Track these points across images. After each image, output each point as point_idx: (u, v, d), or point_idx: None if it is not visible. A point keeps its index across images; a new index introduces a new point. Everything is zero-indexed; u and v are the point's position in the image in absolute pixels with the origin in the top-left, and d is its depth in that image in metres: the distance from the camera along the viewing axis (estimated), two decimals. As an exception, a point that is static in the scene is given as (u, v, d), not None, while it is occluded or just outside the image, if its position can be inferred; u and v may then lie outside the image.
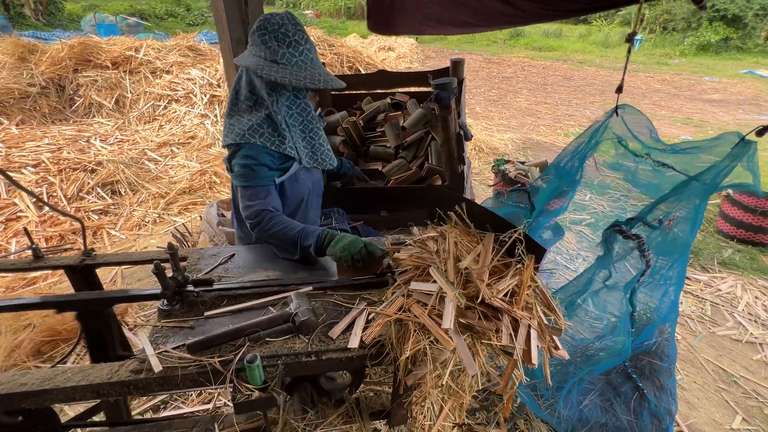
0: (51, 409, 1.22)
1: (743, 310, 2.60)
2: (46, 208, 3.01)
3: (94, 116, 4.36)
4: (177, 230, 2.50)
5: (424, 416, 1.03)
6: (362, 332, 1.04)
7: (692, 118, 7.29)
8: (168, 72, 4.62)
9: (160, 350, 0.97)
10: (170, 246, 1.12)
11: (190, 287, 1.15)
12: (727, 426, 1.86)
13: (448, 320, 0.96)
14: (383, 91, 2.72)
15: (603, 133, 1.49)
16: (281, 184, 1.45)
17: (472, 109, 7.46)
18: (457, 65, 2.44)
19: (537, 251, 1.01)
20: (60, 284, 2.50)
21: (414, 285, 1.10)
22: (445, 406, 1.00)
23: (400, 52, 11.67)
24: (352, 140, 2.37)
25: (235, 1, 1.62)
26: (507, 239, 1.03)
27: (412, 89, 2.64)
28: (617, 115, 1.45)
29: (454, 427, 1.13)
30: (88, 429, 1.35)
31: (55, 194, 3.10)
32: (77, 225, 3.00)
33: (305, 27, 1.34)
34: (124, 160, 3.58)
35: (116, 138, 4.01)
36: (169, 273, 1.10)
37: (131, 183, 3.42)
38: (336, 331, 1.04)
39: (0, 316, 2.18)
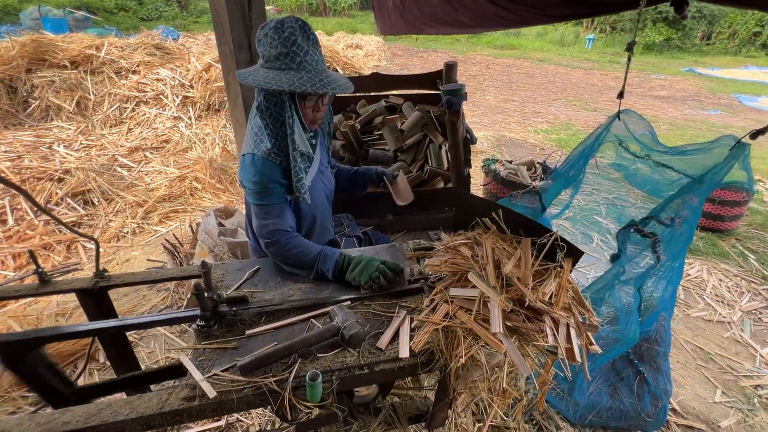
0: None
1: (711, 292, 2.85)
2: (10, 222, 2.77)
3: (52, 120, 4.03)
4: (167, 241, 2.38)
5: (467, 418, 1.07)
6: (410, 341, 1.05)
7: (646, 114, 7.82)
8: (135, 72, 4.34)
9: (210, 374, 0.94)
10: (204, 264, 1.08)
11: (224, 306, 1.11)
12: (710, 400, 2.05)
13: (497, 324, 1.00)
14: (376, 93, 2.72)
15: (606, 136, 1.59)
16: (296, 200, 1.40)
17: (445, 108, 7.58)
18: (450, 68, 2.48)
19: (574, 253, 1.07)
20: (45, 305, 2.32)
21: (454, 291, 1.13)
22: (494, 405, 1.04)
23: (368, 50, 11.66)
24: (350, 144, 2.36)
25: (238, 6, 1.56)
26: (544, 243, 1.08)
27: (405, 92, 2.66)
28: (619, 119, 1.55)
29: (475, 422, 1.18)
30: None
31: (20, 207, 2.84)
32: (47, 240, 2.78)
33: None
34: (94, 167, 3.34)
35: (81, 143, 3.73)
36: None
37: (104, 192, 3.20)
38: (384, 341, 1.05)
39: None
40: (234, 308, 1.10)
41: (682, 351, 2.36)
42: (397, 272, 1.23)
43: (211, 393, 0.89)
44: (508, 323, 1.03)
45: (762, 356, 2.33)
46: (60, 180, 3.11)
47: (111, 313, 1.29)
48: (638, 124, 1.54)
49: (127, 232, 2.99)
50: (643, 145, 1.53)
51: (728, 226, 3.45)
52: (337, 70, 5.04)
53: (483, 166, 2.95)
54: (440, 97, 2.62)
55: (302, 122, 1.29)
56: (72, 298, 2.37)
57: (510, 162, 3.06)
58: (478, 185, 4.02)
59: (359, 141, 2.40)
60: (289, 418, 0.90)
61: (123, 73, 4.32)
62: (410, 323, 1.11)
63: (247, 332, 1.06)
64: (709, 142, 1.33)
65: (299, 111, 1.26)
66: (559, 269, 1.08)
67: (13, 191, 2.90)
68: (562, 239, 1.05)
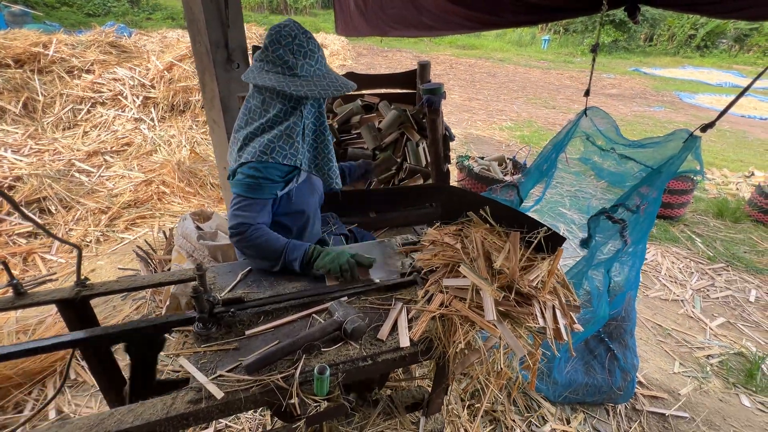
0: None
1: (665, 274, 3.11)
2: (-43, 236, 2.54)
3: (-5, 123, 3.72)
4: (139, 248, 2.28)
5: (457, 404, 1.13)
6: (409, 331, 1.10)
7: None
8: (89, 71, 4.08)
9: (215, 376, 0.93)
10: (199, 267, 1.06)
11: (221, 307, 1.10)
12: (670, 371, 2.24)
13: (490, 312, 1.06)
14: (352, 93, 2.74)
15: (575, 132, 1.71)
16: (287, 196, 1.42)
17: (413, 106, 7.70)
18: (424, 68, 2.55)
19: (557, 241, 1.15)
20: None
21: (447, 281, 1.18)
22: (491, 386, 1.10)
23: (333, 50, 11.59)
24: (329, 143, 2.36)
25: (213, 3, 1.53)
26: (532, 234, 1.16)
27: (381, 91, 2.69)
28: (586, 115, 1.67)
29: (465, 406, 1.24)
30: None
31: (-35, 218, 2.62)
32: (17, 248, 2.59)
33: None
34: (48, 173, 3.12)
35: (31, 148, 3.47)
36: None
37: (62, 199, 3.01)
38: (384, 333, 1.09)
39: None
40: (231, 309, 1.10)
41: (644, 328, 2.57)
42: (366, 265, 1.28)
43: (219, 394, 0.89)
44: (500, 309, 1.09)
45: (711, 329, 2.58)
46: (11, 188, 2.89)
47: (93, 323, 1.24)
48: (603, 120, 1.66)
49: (90, 241, 2.83)
50: (608, 139, 1.66)
51: (677, 213, 3.76)
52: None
53: (457, 163, 3.05)
54: (415, 96, 2.69)
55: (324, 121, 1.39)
56: (32, 314, 2.23)
57: (482, 158, 3.18)
58: (452, 181, 4.14)
59: (337, 139, 2.41)
60: (298, 413, 0.92)
61: (75, 72, 4.05)
62: (407, 314, 1.15)
63: (247, 332, 1.06)
64: (665, 135, 1.46)
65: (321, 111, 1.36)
66: (547, 257, 1.16)
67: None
68: (548, 228, 1.13)
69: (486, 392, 1.10)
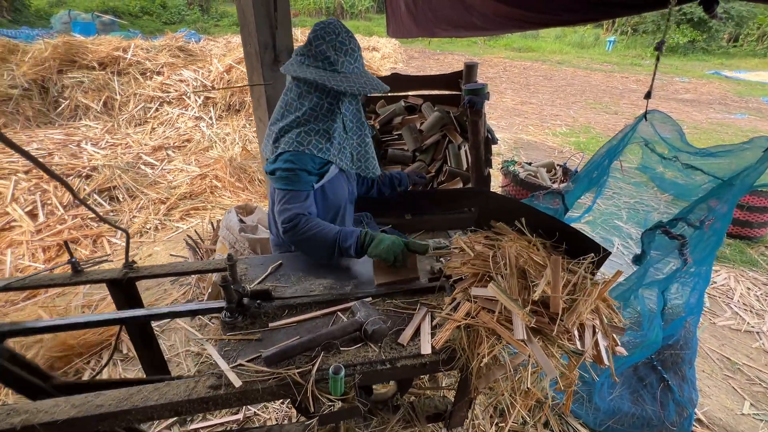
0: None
1: (738, 300, 2.76)
2: (41, 217, 2.87)
3: (80, 119, 4.17)
4: (189, 237, 2.43)
5: (485, 419, 1.06)
6: (432, 338, 1.05)
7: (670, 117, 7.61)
8: (159, 73, 4.46)
9: (236, 364, 0.95)
10: (230, 257, 1.10)
11: (248, 299, 1.13)
12: (738, 412, 1.98)
13: (520, 329, 0.99)
14: (395, 94, 2.73)
15: (632, 137, 1.56)
16: (322, 190, 1.44)
17: (462, 110, 7.56)
18: (470, 69, 2.47)
19: (603, 256, 1.05)
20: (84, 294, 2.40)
21: (476, 291, 1.12)
22: (517, 406, 1.03)
23: (385, 53, 11.69)
24: (369, 144, 2.37)
25: (263, 6, 1.59)
26: (575, 247, 1.06)
27: (424, 92, 2.66)
28: (646, 119, 1.52)
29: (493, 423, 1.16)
30: None
31: (50, 202, 2.95)
32: (75, 234, 2.87)
33: None
34: (119, 164, 3.44)
35: (108, 142, 3.85)
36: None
37: (129, 189, 3.30)
38: (405, 337, 1.05)
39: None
40: (258, 301, 1.12)
41: (708, 360, 2.29)
42: (421, 252, 1.25)
43: (237, 382, 0.91)
44: (532, 325, 1.01)
45: (793, 368, 2.25)
46: (87, 176, 3.22)
47: (138, 303, 1.33)
48: (666, 126, 1.50)
49: (150, 228, 3.07)
50: (670, 146, 1.49)
51: (757, 233, 3.33)
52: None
53: (502, 168, 2.93)
54: (460, 97, 2.62)
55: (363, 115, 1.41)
56: (97, 290, 2.45)
57: (529, 164, 3.03)
58: (496, 187, 3.99)
59: (378, 141, 2.41)
60: (312, 410, 0.91)
61: (148, 74, 4.45)
62: (431, 320, 1.11)
63: (271, 325, 1.08)
64: (740, 143, 1.29)
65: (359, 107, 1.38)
66: (590, 275, 1.07)
67: (47, 186, 3.02)
68: (590, 241, 1.04)
69: (512, 411, 1.02)
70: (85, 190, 3.11)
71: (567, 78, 11.23)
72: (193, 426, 1.83)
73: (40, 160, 3.18)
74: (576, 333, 1.00)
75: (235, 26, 14.08)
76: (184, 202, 3.34)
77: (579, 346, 0.99)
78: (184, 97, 4.31)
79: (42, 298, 2.43)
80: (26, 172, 3.07)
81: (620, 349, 1.08)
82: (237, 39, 6.87)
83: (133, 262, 1.29)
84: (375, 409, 1.26)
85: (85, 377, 1.98)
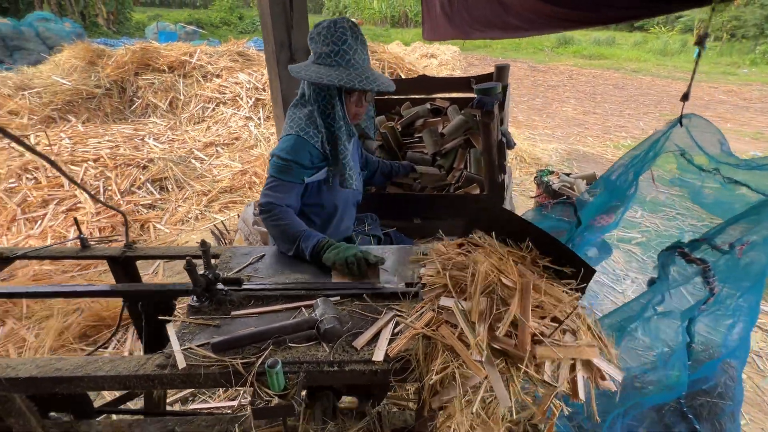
0: (85, 393, 1.26)
1: (819, 349, 2.29)
2: (117, 197, 3.23)
3: (149, 116, 4.65)
4: (216, 227, 2.57)
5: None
6: (388, 345, 0.99)
7: (764, 133, 6.64)
8: (218, 76, 4.85)
9: (186, 347, 0.97)
10: (203, 243, 1.13)
11: (220, 285, 1.15)
12: (801, 484, 1.62)
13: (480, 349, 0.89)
14: (423, 96, 2.68)
15: (663, 145, 1.36)
16: (318, 188, 1.45)
17: (515, 118, 7.25)
18: (501, 71, 2.35)
19: (586, 273, 0.92)
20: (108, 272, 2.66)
21: (444, 301, 1.04)
22: (474, 432, 0.93)
23: (442, 59, 11.60)
24: (388, 145, 2.34)
25: (280, 7, 1.65)
26: (561, 267, 0.94)
27: (453, 95, 2.57)
28: (681, 125, 1.31)
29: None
30: (117, 416, 1.39)
31: (110, 188, 3.31)
32: (139, 216, 3.18)
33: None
34: (173, 158, 3.77)
35: (168, 137, 4.24)
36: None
37: (178, 180, 3.59)
38: (361, 342, 1.00)
39: (54, 299, 2.34)
40: (225, 289, 1.14)
41: (759, 411, 1.92)
42: (373, 263, 1.20)
43: (182, 364, 0.92)
44: (495, 345, 0.91)
45: None
46: (144, 167, 3.57)
47: (136, 279, 1.42)
48: (706, 132, 1.29)
49: (191, 218, 3.31)
50: (711, 157, 1.27)
51: None
52: (400, 76, 5.12)
53: (535, 177, 2.73)
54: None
55: (346, 116, 1.39)
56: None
57: (568, 175, 2.79)
58: (527, 196, 3.74)
59: (398, 142, 2.37)
60: (250, 402, 0.90)
61: (208, 76, 4.85)
62: (394, 327, 1.05)
63: (233, 313, 1.09)
64: (796, 154, 1.06)
65: (344, 105, 1.37)
66: (575, 306, 0.94)
67: (105, 174, 3.39)
68: (578, 259, 0.91)
69: (469, 437, 0.92)
70: (140, 179, 3.44)
71: (642, 87, 10.29)
72: (193, 406, 1.92)
73: (107, 150, 3.55)
74: (548, 363, 0.88)
75: (301, 35, 14.89)
76: (224, 195, 3.56)
77: (549, 379, 0.87)
78: (237, 98, 4.63)
79: (92, 271, 2.71)
80: (95, 161, 3.48)
81: (607, 384, 0.93)
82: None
83: (133, 242, 1.38)
84: (340, 413, 1.22)
85: (110, 348, 2.16)
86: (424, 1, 3.12)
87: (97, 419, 1.20)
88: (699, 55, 1.30)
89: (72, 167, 3.37)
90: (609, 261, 2.98)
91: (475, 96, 1.57)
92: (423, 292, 1.11)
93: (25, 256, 1.33)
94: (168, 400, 1.93)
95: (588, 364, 0.91)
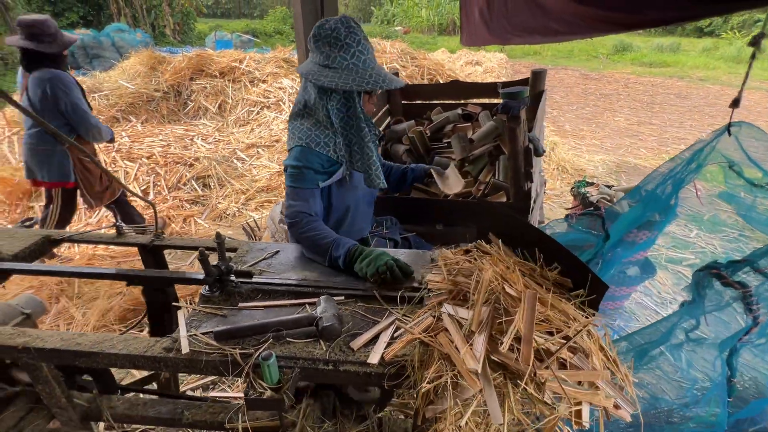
0: (108, 370, 1.36)
1: None
2: (151, 196, 3.48)
3: (200, 118, 4.97)
4: (248, 224, 2.68)
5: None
6: (385, 349, 0.97)
7: None
8: (264, 81, 5.10)
9: (192, 334, 1.01)
10: (218, 235, 1.18)
11: (233, 277, 1.20)
12: None
13: (476, 360, 0.85)
14: (456, 101, 2.64)
15: (709, 156, 1.23)
16: (328, 189, 1.45)
17: (561, 127, 6.93)
18: (537, 76, 2.26)
19: (599, 289, 0.85)
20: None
21: (447, 308, 1.01)
22: (468, 449, 0.88)
23: (488, 66, 11.36)
24: (416, 150, 2.32)
25: (311, 11, 1.70)
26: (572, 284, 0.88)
27: (486, 100, 2.51)
28: (729, 134, 1.19)
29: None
30: (131, 394, 1.47)
31: (159, 183, 3.57)
32: (172, 213, 3.40)
33: (370, 35, 1.35)
34: (217, 157, 4.00)
35: (215, 138, 4.51)
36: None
37: (220, 178, 3.80)
38: (358, 343, 0.99)
39: (101, 282, 2.54)
40: (237, 281, 1.18)
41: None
42: (406, 272, 1.17)
43: (185, 349, 0.96)
44: (494, 357, 0.86)
45: None
46: (191, 165, 3.81)
47: (163, 266, 1.51)
48: (759, 143, 1.15)
49: (230, 214, 3.48)
50: (763, 170, 1.14)
51: None
52: (438, 82, 5.10)
53: (572, 188, 2.58)
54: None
55: (367, 117, 1.39)
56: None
57: (609, 187, 2.61)
58: (565, 207, 3.54)
59: (426, 147, 2.35)
60: (244, 392, 0.92)
61: (255, 82, 5.10)
62: (394, 332, 1.03)
63: (240, 305, 1.12)
64: None
65: (362, 104, 1.36)
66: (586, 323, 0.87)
67: (156, 170, 3.65)
68: (586, 270, 0.85)
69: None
70: (186, 176, 3.68)
71: (709, 97, 9.47)
72: (213, 393, 2.00)
73: (159, 148, 3.81)
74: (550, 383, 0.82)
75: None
76: (260, 194, 3.71)
77: (550, 400, 0.81)
78: (280, 102, 4.82)
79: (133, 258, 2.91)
80: (148, 158, 3.77)
81: (621, 413, 0.85)
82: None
83: (162, 232, 1.47)
84: (340, 414, 1.21)
85: (144, 332, 2.31)
86: (462, 7, 3.08)
87: (117, 396, 1.28)
88: (753, 57, 1.18)
89: (128, 163, 3.67)
90: (654, 282, 2.75)
91: (502, 98, 1.51)
92: (426, 297, 1.09)
93: (70, 240, 1.46)
94: (191, 386, 2.03)
95: (595, 389, 0.83)
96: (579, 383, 0.86)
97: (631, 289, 1.86)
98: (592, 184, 2.68)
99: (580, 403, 0.82)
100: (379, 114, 2.51)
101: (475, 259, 1.07)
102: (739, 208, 1.26)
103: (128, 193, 2.77)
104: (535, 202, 1.93)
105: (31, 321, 1.35)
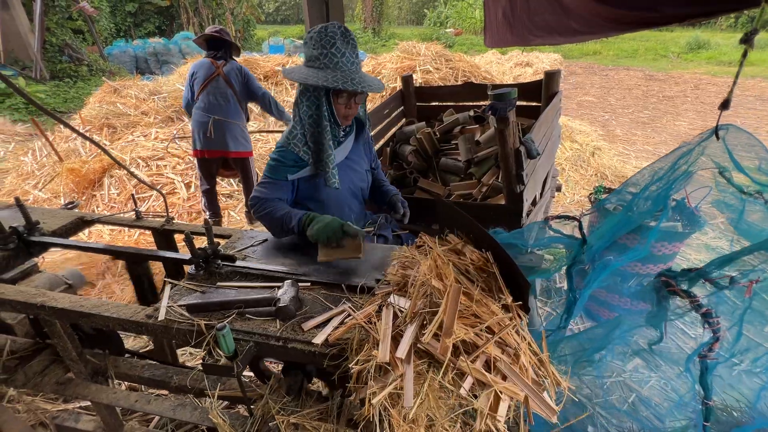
0: (118, 336, 1.56)
1: None
2: (192, 189, 3.82)
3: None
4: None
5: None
6: (331, 332, 1.04)
7: None
8: (303, 84, 5.37)
9: (170, 304, 1.16)
10: (206, 222, 1.32)
11: (219, 261, 1.33)
12: None
13: (404, 347, 0.89)
14: (471, 104, 2.63)
15: (696, 160, 1.15)
16: (315, 182, 1.54)
17: (611, 131, 6.51)
18: (551, 77, 2.21)
19: (522, 289, 0.86)
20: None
21: (392, 299, 1.05)
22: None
23: (538, 68, 10.93)
24: (424, 151, 2.36)
25: (318, 15, 1.82)
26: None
27: (500, 102, 2.48)
28: (717, 137, 1.11)
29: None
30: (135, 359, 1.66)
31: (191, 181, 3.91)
32: (199, 206, 3.70)
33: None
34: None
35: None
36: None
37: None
38: (309, 324, 1.07)
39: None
40: (220, 263, 1.31)
41: None
42: (351, 234, 1.28)
43: (161, 316, 1.11)
44: (420, 347, 0.90)
45: None
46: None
47: (173, 249, 1.70)
48: (747, 147, 1.06)
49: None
50: (751, 176, 1.05)
51: None
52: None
53: (590, 194, 2.46)
54: (539, 109, 2.35)
55: (334, 117, 1.45)
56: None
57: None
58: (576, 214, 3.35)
59: (434, 148, 2.37)
60: (206, 358, 1.04)
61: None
62: (345, 317, 1.09)
63: (218, 284, 1.25)
64: None
65: (332, 106, 1.42)
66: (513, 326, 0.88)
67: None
68: (514, 267, 0.86)
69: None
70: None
71: (796, 100, 8.36)
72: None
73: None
74: (467, 381, 0.84)
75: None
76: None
77: (466, 389, 0.84)
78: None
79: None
80: (193, 156, 4.13)
81: (546, 412, 0.86)
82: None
83: (172, 218, 1.66)
84: (306, 395, 1.30)
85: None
86: (486, 8, 3.06)
87: (122, 358, 1.47)
88: (745, 55, 1.10)
89: (177, 159, 4.06)
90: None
91: (490, 100, 1.51)
92: (377, 287, 1.14)
93: (98, 221, 1.70)
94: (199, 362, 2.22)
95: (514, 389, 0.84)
96: (504, 379, 0.88)
97: (674, 246, 1.63)
98: (611, 190, 2.53)
99: (498, 398, 0.84)
100: (393, 116, 2.57)
101: (425, 255, 1.10)
102: (730, 219, 1.17)
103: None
104: (533, 205, 1.89)
105: (73, 290, 1.60)
